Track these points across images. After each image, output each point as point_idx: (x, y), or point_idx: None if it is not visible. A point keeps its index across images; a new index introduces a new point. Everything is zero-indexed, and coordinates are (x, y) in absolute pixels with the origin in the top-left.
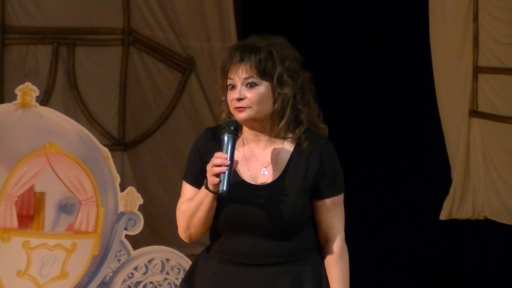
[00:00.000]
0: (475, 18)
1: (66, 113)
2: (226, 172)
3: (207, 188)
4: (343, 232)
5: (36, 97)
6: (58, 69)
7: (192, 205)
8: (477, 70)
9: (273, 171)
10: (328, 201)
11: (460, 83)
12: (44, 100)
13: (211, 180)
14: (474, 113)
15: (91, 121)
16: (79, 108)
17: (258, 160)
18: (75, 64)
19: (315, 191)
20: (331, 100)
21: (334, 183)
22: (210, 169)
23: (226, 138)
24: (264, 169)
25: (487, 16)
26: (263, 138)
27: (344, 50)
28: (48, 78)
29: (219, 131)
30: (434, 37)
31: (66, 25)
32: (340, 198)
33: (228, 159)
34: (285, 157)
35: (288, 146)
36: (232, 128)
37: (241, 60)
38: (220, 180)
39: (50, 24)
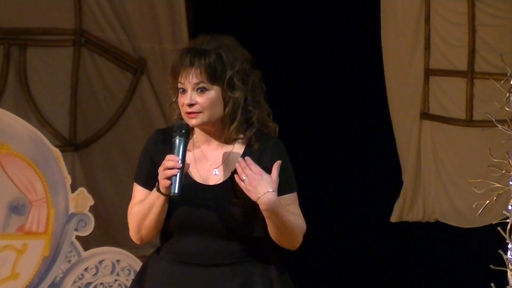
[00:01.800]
0: (427, 21)
1: (17, 113)
2: (178, 175)
3: (158, 190)
4: (304, 222)
5: None
6: (9, 70)
7: (143, 207)
8: (429, 72)
9: (224, 172)
10: (281, 199)
11: (411, 85)
12: None
13: (163, 183)
14: (425, 115)
15: (42, 122)
16: (30, 109)
17: (209, 161)
18: (27, 64)
19: None
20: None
21: (286, 181)
22: (162, 172)
23: (177, 141)
24: (215, 169)
25: (439, 19)
26: (214, 139)
27: (295, 51)
28: None
29: (169, 132)
30: (386, 39)
31: (17, 26)
32: (293, 196)
33: (179, 161)
34: (236, 158)
35: (238, 148)
36: (183, 131)
37: (191, 64)
38: (172, 183)
39: (1, 24)
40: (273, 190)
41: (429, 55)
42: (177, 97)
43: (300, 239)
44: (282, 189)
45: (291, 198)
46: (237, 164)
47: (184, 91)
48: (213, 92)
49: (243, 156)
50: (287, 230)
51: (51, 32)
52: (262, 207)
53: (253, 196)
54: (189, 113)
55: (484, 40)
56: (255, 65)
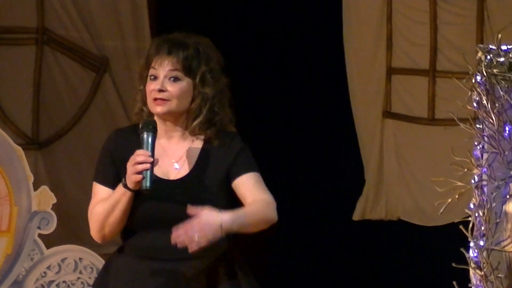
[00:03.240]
0: (389, 19)
1: None
2: (149, 169)
3: (125, 186)
4: (272, 197)
5: None
6: None
7: (107, 205)
8: (391, 71)
9: (185, 166)
10: (244, 177)
11: (373, 84)
12: None
13: (134, 178)
14: (388, 113)
15: (4, 120)
16: None
17: (168, 155)
18: None
19: (231, 175)
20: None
21: (246, 163)
22: (132, 167)
23: (145, 135)
24: (176, 163)
25: (401, 17)
26: (175, 134)
27: (258, 50)
28: None
29: (129, 131)
30: (348, 38)
31: None
32: (256, 176)
33: (150, 156)
34: (196, 152)
35: (198, 143)
36: (151, 126)
37: (169, 53)
38: (143, 177)
39: None
40: (219, 212)
41: (392, 53)
42: (144, 86)
43: (272, 215)
44: (244, 168)
45: (254, 177)
46: (177, 233)
47: (155, 78)
48: (185, 83)
49: (202, 150)
50: (256, 222)
51: (14, 31)
52: (228, 231)
53: (214, 234)
54: (156, 99)
55: (446, 39)
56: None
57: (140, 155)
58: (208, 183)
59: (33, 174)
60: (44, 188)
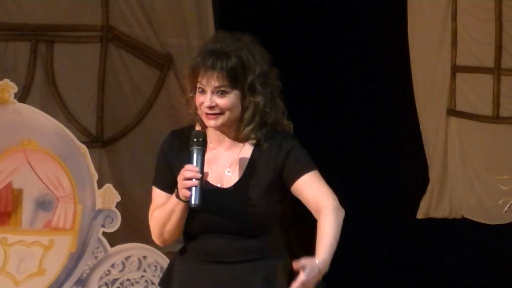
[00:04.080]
0: (454, 17)
1: (44, 109)
2: (198, 185)
3: (178, 197)
4: (335, 197)
5: (14, 93)
6: (37, 66)
7: (164, 213)
8: (455, 69)
9: (236, 172)
10: (303, 178)
11: (438, 82)
12: (22, 96)
13: (183, 192)
14: (452, 112)
15: (69, 118)
16: (57, 105)
17: (221, 161)
18: (54, 60)
19: (287, 178)
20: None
21: (302, 163)
22: (181, 182)
23: (195, 150)
24: (227, 169)
25: (466, 15)
26: (227, 140)
27: (321, 48)
28: (26, 75)
29: (184, 134)
30: (413, 36)
31: (44, 22)
32: (315, 174)
33: (198, 171)
34: (246, 157)
35: (248, 147)
36: (200, 139)
37: (213, 67)
38: (192, 194)
39: (28, 20)
40: (316, 259)
41: (456, 51)
42: (194, 93)
43: (342, 218)
44: (300, 170)
45: (313, 176)
46: None
47: (203, 91)
48: (233, 96)
49: (253, 155)
50: (338, 238)
51: (78, 29)
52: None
53: (315, 283)
54: (208, 114)
55: (511, 37)
56: (274, 63)
57: (189, 170)
58: (258, 189)
59: (97, 172)
60: (108, 186)
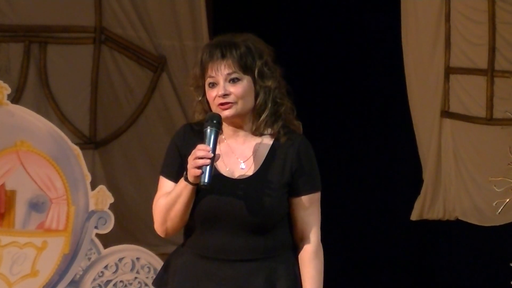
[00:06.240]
0: (447, 19)
1: (38, 111)
2: (209, 165)
3: (186, 180)
4: (319, 230)
5: (8, 95)
6: (30, 67)
7: (170, 198)
8: (449, 70)
9: (252, 165)
10: (304, 198)
11: (431, 83)
12: (15, 98)
13: (193, 172)
14: (446, 113)
15: (62, 120)
16: (51, 106)
17: (235, 154)
18: (47, 62)
19: (292, 188)
20: (302, 99)
21: (311, 180)
22: (192, 161)
23: (209, 130)
24: (242, 162)
25: (459, 17)
26: (242, 133)
27: (315, 50)
28: (19, 76)
29: (197, 127)
30: (406, 37)
31: (38, 23)
32: (317, 196)
33: (210, 151)
34: (264, 151)
35: (267, 141)
36: (215, 121)
37: (223, 56)
38: (202, 172)
39: (22, 22)
40: None
41: (450, 53)
42: (203, 96)
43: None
44: (307, 188)
45: (313, 198)
46: None
47: (214, 84)
48: (245, 82)
49: (271, 149)
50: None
51: (72, 30)
52: None
53: None
54: (222, 104)
55: (504, 38)
56: (276, 63)
57: (201, 150)
58: (271, 186)
59: (90, 174)
60: (102, 188)
